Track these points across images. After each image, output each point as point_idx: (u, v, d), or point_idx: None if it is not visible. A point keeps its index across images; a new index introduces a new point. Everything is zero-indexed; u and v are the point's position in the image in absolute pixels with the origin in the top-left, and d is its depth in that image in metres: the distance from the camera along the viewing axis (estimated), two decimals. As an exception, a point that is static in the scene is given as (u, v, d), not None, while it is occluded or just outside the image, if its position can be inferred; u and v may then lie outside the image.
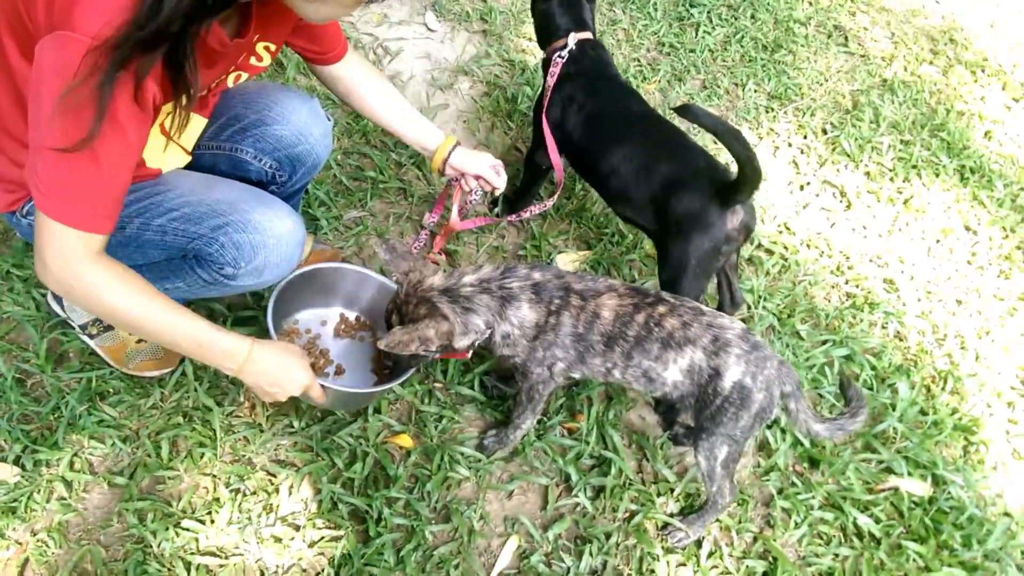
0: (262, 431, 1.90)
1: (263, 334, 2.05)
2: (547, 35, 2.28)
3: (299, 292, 1.97)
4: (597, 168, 2.13)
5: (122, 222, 1.56)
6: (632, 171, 2.04)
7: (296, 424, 1.93)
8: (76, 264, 1.29)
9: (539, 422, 2.02)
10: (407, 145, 2.52)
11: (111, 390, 1.94)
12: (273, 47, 1.61)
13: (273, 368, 1.54)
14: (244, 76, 1.65)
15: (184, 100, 1.25)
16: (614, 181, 2.09)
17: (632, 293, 1.71)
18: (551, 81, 2.17)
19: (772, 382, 1.64)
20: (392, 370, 1.93)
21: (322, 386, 1.68)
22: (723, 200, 1.88)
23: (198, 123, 1.68)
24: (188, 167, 1.70)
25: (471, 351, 1.78)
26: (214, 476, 1.83)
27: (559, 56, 2.17)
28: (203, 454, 1.85)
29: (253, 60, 1.61)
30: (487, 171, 2.04)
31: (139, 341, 1.94)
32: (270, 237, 1.62)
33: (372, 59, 3.01)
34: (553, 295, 1.69)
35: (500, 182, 2.05)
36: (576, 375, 1.79)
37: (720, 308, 2.17)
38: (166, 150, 1.59)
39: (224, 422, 1.91)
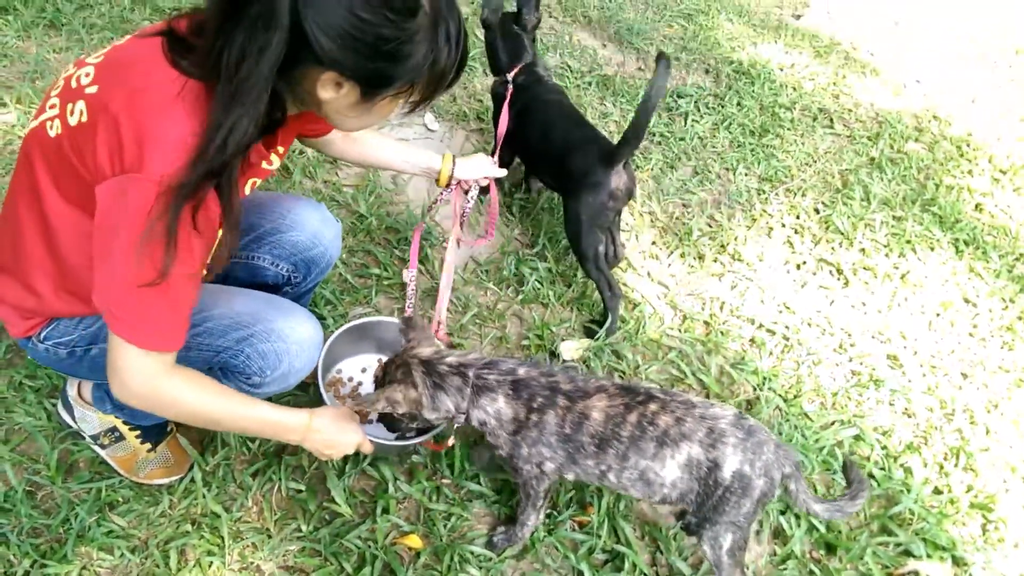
0: (270, 536, 1.89)
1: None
2: (494, 68, 2.81)
3: (339, 345, 2.17)
4: (527, 145, 2.68)
5: None
6: (544, 144, 2.57)
7: (304, 528, 1.91)
8: (156, 380, 1.40)
9: (549, 516, 2.01)
10: (407, 175, 2.60)
11: (120, 499, 1.94)
12: (282, 149, 1.69)
13: (330, 433, 1.70)
14: (258, 182, 1.72)
15: (231, 218, 1.31)
16: (533, 152, 2.70)
17: (622, 392, 1.71)
18: (505, 106, 2.67)
19: (771, 466, 1.64)
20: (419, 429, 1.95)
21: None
22: (607, 161, 2.35)
23: None
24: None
25: (451, 440, 1.89)
26: (223, 586, 1.81)
27: (504, 87, 2.71)
28: (211, 563, 1.83)
29: (264, 164, 1.69)
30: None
31: (150, 451, 1.96)
32: (293, 344, 1.68)
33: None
34: (536, 393, 1.72)
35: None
36: (570, 476, 1.77)
37: (605, 258, 2.50)
38: None
39: (232, 528, 1.90)
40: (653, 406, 1.67)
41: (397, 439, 1.96)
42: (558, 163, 2.50)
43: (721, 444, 1.62)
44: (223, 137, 1.18)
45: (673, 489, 1.68)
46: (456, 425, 1.86)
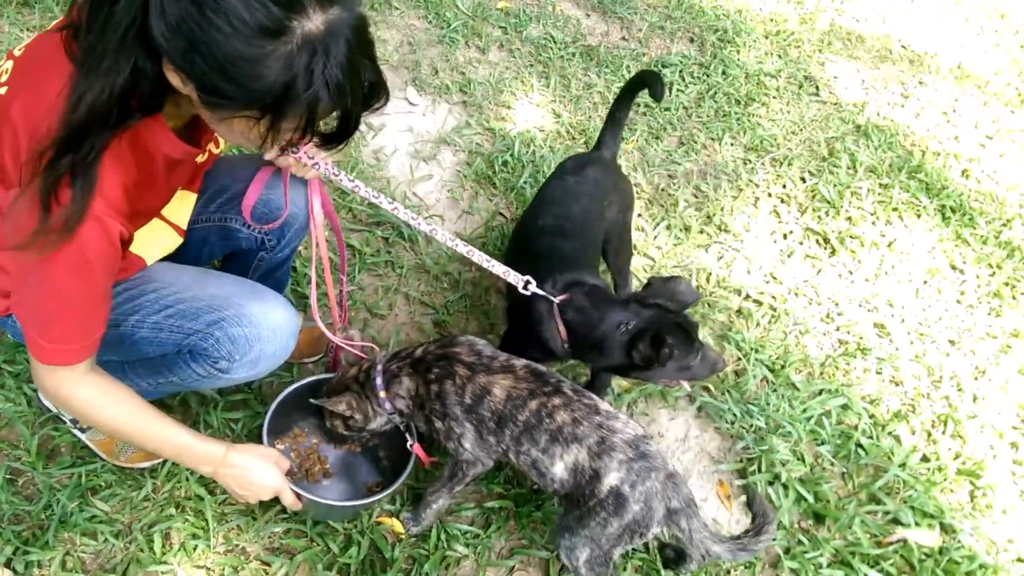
0: (255, 519, 1.87)
1: (254, 417, 2.05)
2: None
3: (312, 397, 1.95)
4: None
5: (117, 320, 1.59)
6: None
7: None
8: (68, 389, 1.43)
9: (536, 491, 2.00)
10: (392, 222, 2.56)
11: (103, 484, 1.92)
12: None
13: (246, 472, 1.65)
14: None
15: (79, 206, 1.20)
16: None
17: (531, 377, 1.70)
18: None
19: (653, 496, 1.58)
20: (383, 486, 1.91)
21: (298, 494, 1.73)
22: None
23: (189, 200, 1.72)
24: (178, 252, 1.72)
25: (427, 456, 1.87)
26: (208, 568, 1.79)
27: None
28: (196, 546, 1.82)
29: (199, 159, 1.67)
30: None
31: (130, 433, 1.93)
32: (265, 329, 1.64)
33: (356, 135, 3.05)
34: (432, 365, 1.74)
35: None
36: (486, 452, 1.75)
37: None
38: (154, 233, 1.62)
39: (217, 511, 1.88)
40: (556, 400, 1.65)
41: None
42: None
43: (607, 456, 1.58)
44: (73, 105, 1.11)
45: (562, 487, 1.66)
46: (401, 425, 1.86)
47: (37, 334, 1.35)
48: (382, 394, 1.79)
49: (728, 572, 1.91)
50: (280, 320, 1.67)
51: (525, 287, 1.86)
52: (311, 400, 1.89)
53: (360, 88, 1.18)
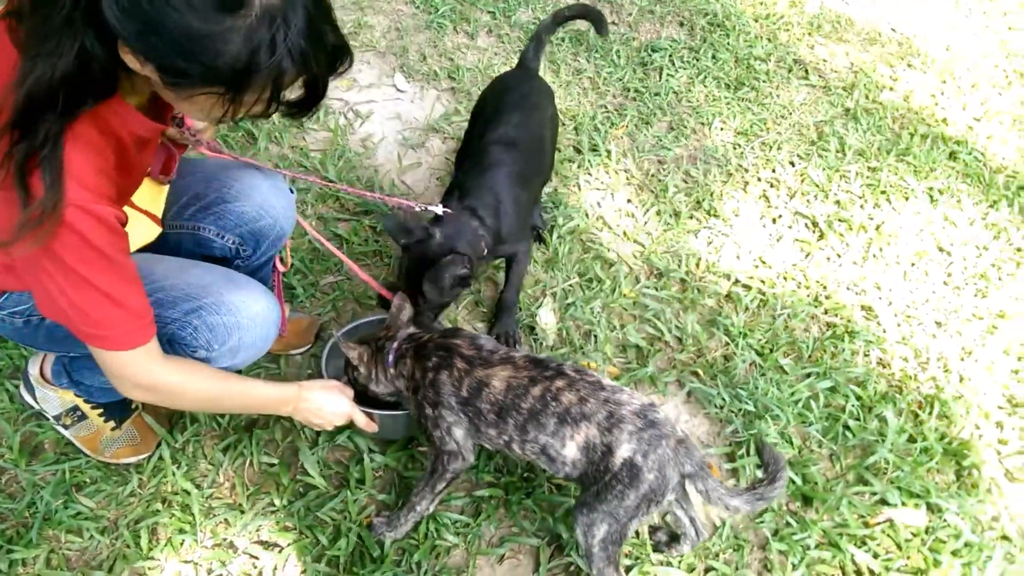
0: (243, 512, 1.87)
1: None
2: None
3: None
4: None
5: None
6: None
7: (278, 502, 1.89)
8: (151, 374, 1.44)
9: (526, 479, 2.00)
10: (381, 211, 2.55)
11: (88, 480, 1.91)
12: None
13: (318, 404, 1.77)
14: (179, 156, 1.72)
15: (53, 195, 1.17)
16: None
17: (531, 366, 1.70)
18: None
19: (666, 462, 1.58)
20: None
21: (369, 414, 1.86)
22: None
23: (164, 189, 1.73)
24: (154, 246, 1.70)
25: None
26: (195, 563, 1.79)
27: None
28: (183, 541, 1.81)
29: (175, 134, 1.70)
30: None
31: (114, 429, 1.92)
32: (244, 318, 1.63)
33: (343, 123, 3.04)
34: (431, 353, 1.76)
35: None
36: (484, 444, 1.76)
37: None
38: (131, 223, 1.60)
39: (204, 505, 1.88)
40: (560, 382, 1.65)
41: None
42: None
43: (617, 429, 1.58)
44: (16, 89, 1.08)
45: (574, 468, 1.65)
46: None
47: (93, 328, 1.33)
48: (391, 370, 1.82)
49: (717, 555, 1.91)
50: (260, 308, 1.66)
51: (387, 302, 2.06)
52: (335, 334, 1.96)
53: (324, 53, 1.18)
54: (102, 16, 1.04)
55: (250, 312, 1.63)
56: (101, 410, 1.89)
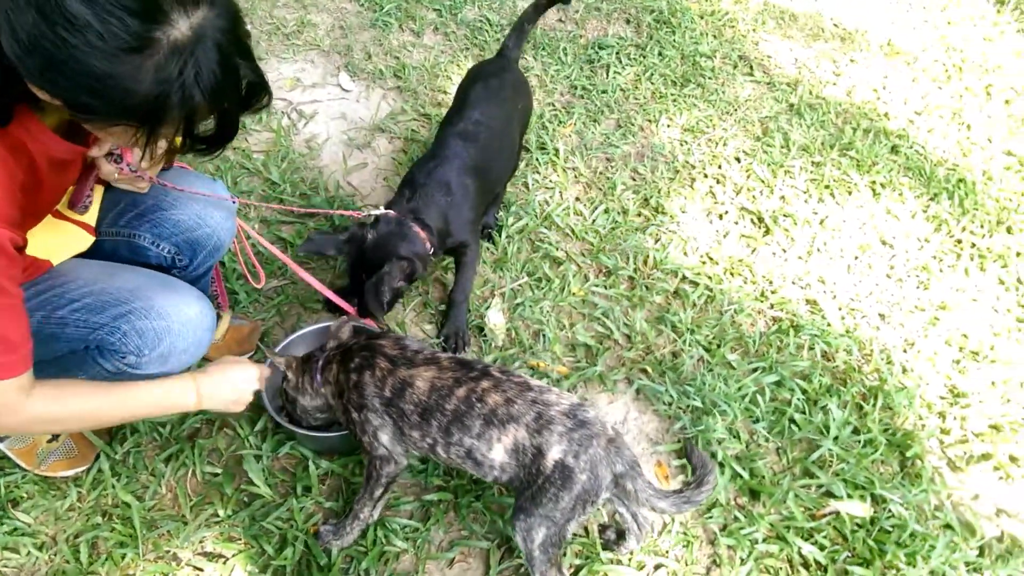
0: (186, 523, 1.83)
1: (181, 420, 2.00)
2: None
3: (295, 349, 2.08)
4: None
5: None
6: None
7: (222, 512, 1.85)
8: (22, 409, 1.32)
9: (475, 482, 1.98)
10: (327, 215, 2.52)
11: (24, 495, 1.86)
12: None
13: (225, 378, 1.66)
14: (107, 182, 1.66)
15: None
16: None
17: (456, 366, 1.68)
18: None
19: (598, 462, 1.57)
20: None
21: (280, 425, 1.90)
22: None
23: (98, 195, 1.66)
24: (89, 253, 1.65)
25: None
26: (137, 577, 1.74)
27: None
28: (124, 554, 1.77)
29: (100, 153, 1.59)
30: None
31: (51, 440, 1.87)
32: (175, 323, 1.58)
33: (287, 124, 2.99)
34: (354, 354, 1.74)
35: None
36: (410, 448, 1.73)
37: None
38: (61, 234, 1.55)
39: (146, 517, 1.83)
40: (485, 383, 1.63)
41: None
42: None
43: (547, 431, 1.57)
44: None
45: (503, 472, 1.63)
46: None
47: None
48: (318, 378, 1.79)
49: (667, 552, 1.92)
50: (193, 313, 1.62)
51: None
52: (265, 349, 1.93)
53: (237, 89, 1.16)
54: (3, 52, 1.00)
55: (182, 317, 1.59)
56: (37, 422, 1.82)
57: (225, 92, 1.13)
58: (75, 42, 0.99)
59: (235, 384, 1.68)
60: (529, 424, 1.58)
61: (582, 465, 1.56)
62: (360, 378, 1.70)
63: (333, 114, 3.07)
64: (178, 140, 1.21)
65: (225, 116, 1.19)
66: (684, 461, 2.12)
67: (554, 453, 1.56)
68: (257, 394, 1.80)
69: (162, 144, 1.17)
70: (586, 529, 1.94)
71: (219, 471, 1.94)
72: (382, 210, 2.09)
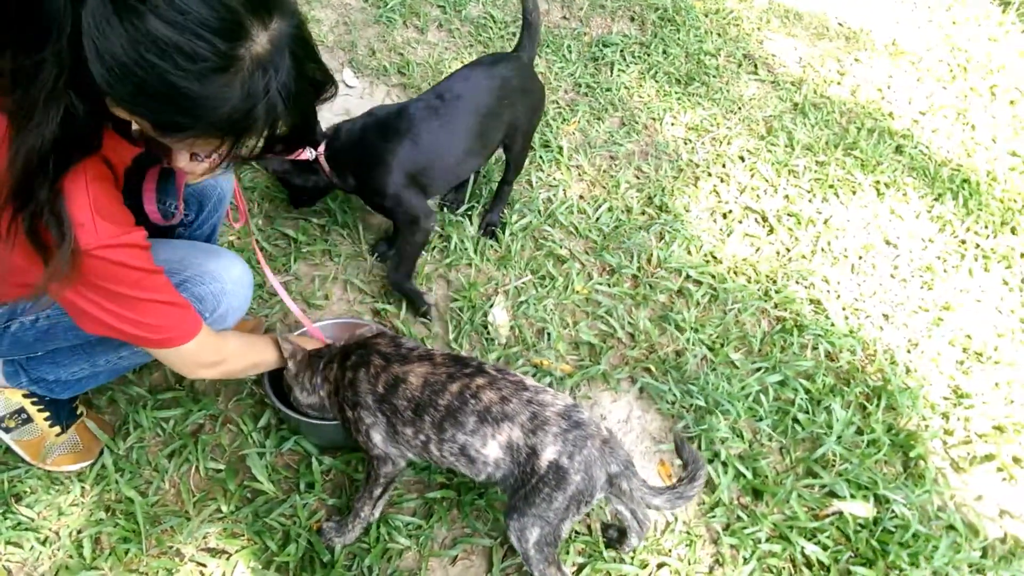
0: (189, 519, 1.83)
1: (186, 415, 2.01)
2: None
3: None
4: None
5: None
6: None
7: (225, 508, 1.85)
8: (217, 350, 1.60)
9: (479, 480, 1.98)
10: (329, 209, 2.51)
11: (28, 490, 1.85)
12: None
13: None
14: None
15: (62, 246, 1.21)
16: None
17: (450, 362, 1.68)
18: None
19: (592, 463, 1.56)
20: None
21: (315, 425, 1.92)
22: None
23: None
24: None
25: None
26: (141, 572, 1.74)
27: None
28: (128, 550, 1.77)
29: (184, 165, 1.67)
30: None
31: (59, 434, 1.87)
32: (228, 283, 1.67)
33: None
34: (351, 351, 1.76)
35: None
36: (404, 447, 1.72)
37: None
38: None
39: (149, 513, 1.83)
40: (480, 380, 1.63)
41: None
42: None
43: (542, 431, 1.56)
44: (12, 161, 1.10)
45: (497, 469, 1.62)
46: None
47: (158, 334, 1.43)
48: (319, 376, 1.80)
49: (670, 551, 1.92)
50: (239, 272, 1.72)
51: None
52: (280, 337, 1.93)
53: (311, 89, 1.22)
54: (89, 79, 1.03)
55: (232, 276, 1.68)
56: (48, 413, 1.84)
57: (302, 96, 1.18)
58: (165, 66, 1.02)
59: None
60: (524, 424, 1.58)
61: (576, 466, 1.55)
62: (355, 375, 1.71)
63: (337, 111, 3.06)
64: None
65: (304, 115, 1.23)
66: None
67: (548, 454, 1.56)
68: (261, 386, 1.89)
69: (243, 151, 1.21)
70: (588, 528, 1.94)
71: (222, 467, 1.94)
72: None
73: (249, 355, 1.77)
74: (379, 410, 1.68)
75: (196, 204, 1.89)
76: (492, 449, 1.60)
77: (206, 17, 1.01)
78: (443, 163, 2.31)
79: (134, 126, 1.37)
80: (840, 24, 4.17)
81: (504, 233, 2.65)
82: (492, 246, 2.62)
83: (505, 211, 2.70)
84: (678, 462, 2.13)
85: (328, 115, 3.01)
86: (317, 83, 1.22)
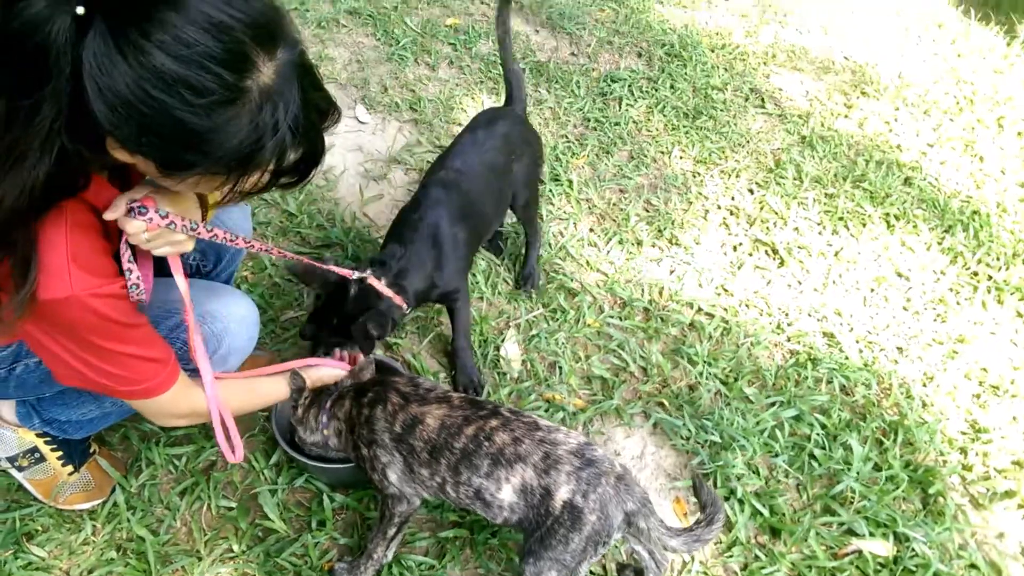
0: (200, 558, 1.81)
1: (198, 452, 2.00)
2: None
3: None
4: None
5: None
6: None
7: (236, 547, 1.83)
8: (192, 402, 1.53)
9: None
10: (342, 243, 2.52)
11: (39, 528, 1.84)
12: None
13: (316, 373, 1.86)
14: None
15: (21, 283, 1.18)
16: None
17: (466, 405, 1.67)
18: None
19: (608, 501, 1.53)
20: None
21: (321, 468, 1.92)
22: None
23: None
24: None
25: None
26: (151, 614, 1.72)
27: None
28: (138, 591, 1.75)
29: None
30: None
31: (72, 473, 1.86)
32: (231, 322, 1.65)
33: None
34: (368, 389, 1.75)
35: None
36: (420, 488, 1.70)
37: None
38: None
39: (160, 552, 1.82)
40: (494, 422, 1.61)
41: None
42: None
43: (555, 471, 1.54)
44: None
45: (512, 513, 1.59)
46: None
47: (131, 386, 1.40)
48: (324, 415, 1.78)
49: (687, 591, 1.89)
50: (243, 311, 1.69)
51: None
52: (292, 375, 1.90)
53: (317, 119, 1.19)
54: (89, 120, 1.01)
55: (235, 316, 1.65)
56: (61, 452, 1.83)
57: (310, 126, 1.16)
58: (172, 102, 0.99)
59: (327, 371, 1.87)
60: (536, 464, 1.55)
61: (591, 505, 1.53)
62: (371, 412, 1.70)
63: (350, 146, 3.10)
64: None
65: (311, 146, 1.20)
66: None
67: (562, 493, 1.53)
68: (270, 427, 1.87)
69: (247, 186, 1.18)
70: (604, 568, 1.91)
71: (234, 505, 1.92)
72: (368, 274, 1.95)
73: (240, 400, 1.69)
74: (396, 449, 1.67)
75: (214, 254, 1.89)
76: (506, 493, 1.58)
77: (212, 49, 0.99)
78: (476, 232, 2.29)
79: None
80: (846, 58, 4.21)
81: (515, 267, 2.64)
82: (505, 279, 2.63)
83: (536, 266, 2.64)
84: (694, 500, 2.11)
85: (340, 150, 3.05)
86: (322, 111, 1.20)
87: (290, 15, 1.13)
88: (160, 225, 1.32)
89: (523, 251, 2.66)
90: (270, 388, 1.79)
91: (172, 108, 1.00)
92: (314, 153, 1.22)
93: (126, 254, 1.33)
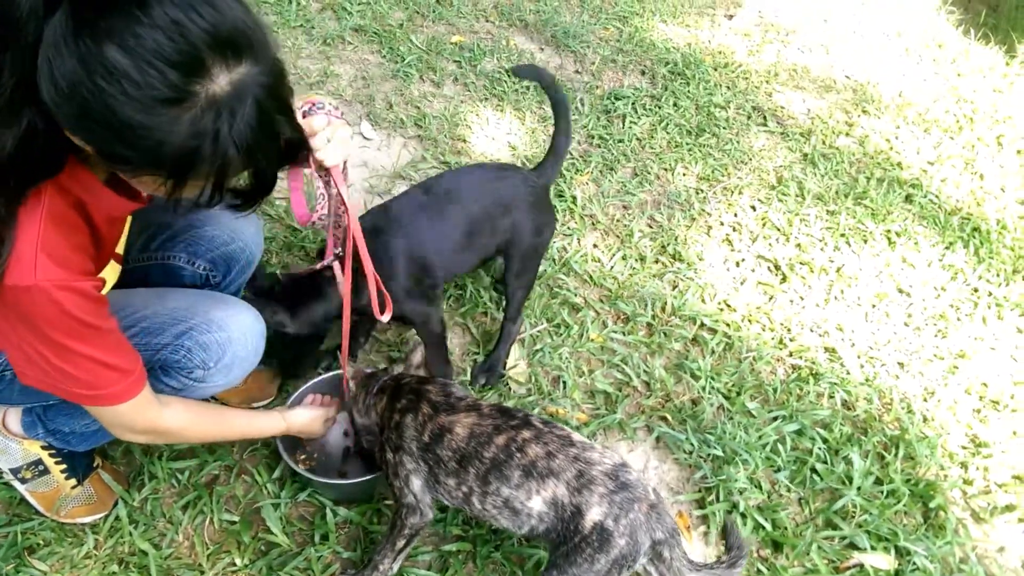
0: (203, 572, 1.81)
1: (201, 466, 2.00)
2: None
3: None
4: None
5: None
6: None
7: (239, 561, 1.84)
8: (151, 420, 1.50)
9: (495, 531, 1.97)
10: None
11: (41, 542, 1.85)
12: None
13: (303, 415, 1.94)
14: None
15: None
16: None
17: (496, 414, 1.67)
18: None
19: (638, 528, 1.52)
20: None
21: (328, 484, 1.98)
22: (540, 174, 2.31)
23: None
24: (119, 283, 1.67)
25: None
26: (154, 627, 1.72)
27: None
28: (141, 603, 1.75)
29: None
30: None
31: (75, 487, 1.86)
32: (235, 332, 1.64)
33: (309, 172, 3.03)
34: (403, 395, 1.77)
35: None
36: (443, 497, 1.70)
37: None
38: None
39: (162, 566, 1.82)
40: (526, 433, 1.60)
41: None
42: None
43: (587, 491, 1.53)
44: None
45: (540, 522, 1.58)
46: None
47: (86, 389, 1.37)
48: (372, 397, 1.82)
49: (689, 606, 1.89)
50: (248, 321, 1.69)
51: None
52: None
53: (275, 145, 1.16)
54: (41, 95, 1.01)
55: (240, 326, 1.65)
56: (65, 465, 1.83)
57: (261, 149, 1.13)
58: (111, 91, 0.99)
59: (312, 414, 1.94)
60: (570, 482, 1.54)
61: (621, 529, 1.51)
62: (402, 419, 1.71)
63: (355, 162, 3.12)
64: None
65: (260, 172, 1.19)
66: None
67: (594, 514, 1.52)
68: (273, 441, 1.91)
69: (189, 195, 1.15)
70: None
71: (236, 519, 1.93)
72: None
73: (211, 429, 1.72)
74: (422, 458, 1.67)
75: (224, 266, 1.90)
76: (537, 503, 1.57)
77: (163, 47, 0.98)
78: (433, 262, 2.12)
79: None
80: (847, 77, 4.24)
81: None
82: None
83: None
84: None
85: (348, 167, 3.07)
86: (286, 143, 1.17)
87: (275, 35, 1.12)
88: (333, 116, 1.46)
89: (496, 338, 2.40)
90: (242, 423, 1.80)
91: (109, 97, 0.99)
92: (263, 179, 1.20)
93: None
